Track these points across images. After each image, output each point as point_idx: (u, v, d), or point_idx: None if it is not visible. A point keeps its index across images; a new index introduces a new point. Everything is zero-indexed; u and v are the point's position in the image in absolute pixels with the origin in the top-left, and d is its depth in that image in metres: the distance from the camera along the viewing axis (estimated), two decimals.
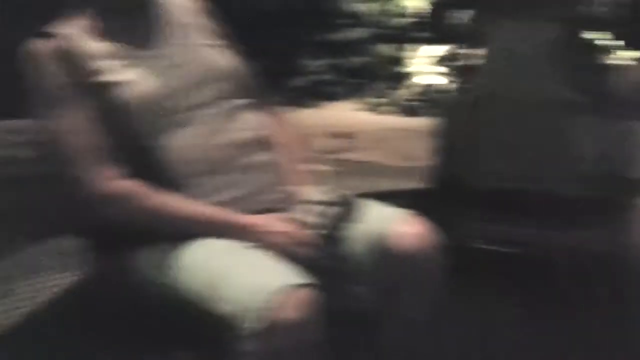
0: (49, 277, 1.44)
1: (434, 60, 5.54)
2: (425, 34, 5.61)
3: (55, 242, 1.60)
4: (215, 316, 1.14)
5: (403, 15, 6.13)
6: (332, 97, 5.63)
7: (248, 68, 1.51)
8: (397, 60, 6.03)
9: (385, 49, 6.07)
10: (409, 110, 5.45)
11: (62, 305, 1.35)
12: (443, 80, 5.19)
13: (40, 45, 1.28)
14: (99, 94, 1.28)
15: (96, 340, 1.32)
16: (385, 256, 1.30)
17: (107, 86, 1.28)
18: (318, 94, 5.35)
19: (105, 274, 1.43)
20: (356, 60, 6.07)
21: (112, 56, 1.31)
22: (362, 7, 6.17)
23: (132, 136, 1.29)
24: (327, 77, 5.79)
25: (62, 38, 1.29)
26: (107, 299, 1.41)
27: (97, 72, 1.28)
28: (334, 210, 1.26)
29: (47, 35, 1.30)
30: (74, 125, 1.27)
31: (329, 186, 1.32)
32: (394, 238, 1.30)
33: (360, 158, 4.20)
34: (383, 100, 5.71)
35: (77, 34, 1.31)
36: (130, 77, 1.30)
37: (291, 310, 1.05)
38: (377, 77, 6.01)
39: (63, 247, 1.55)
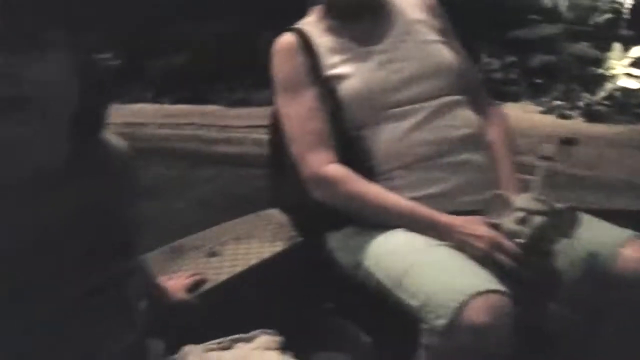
0: (259, 244, 1.57)
1: (634, 61, 5.09)
2: (626, 32, 5.24)
3: (269, 214, 1.75)
4: (400, 306, 1.17)
5: (602, 10, 5.53)
6: (513, 97, 5.22)
7: (470, 64, 1.50)
8: (591, 61, 5.39)
9: (578, 47, 5.47)
10: (597, 116, 4.91)
11: (267, 269, 1.48)
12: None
13: (283, 40, 1.43)
14: (322, 85, 1.38)
15: (287, 304, 1.44)
16: (604, 278, 1.20)
17: (329, 79, 1.38)
18: (499, 93, 4.89)
19: (306, 248, 1.53)
20: (544, 59, 5.53)
21: (338, 51, 1.40)
22: (560, 1, 5.55)
23: (345, 126, 1.37)
24: (511, 76, 5.40)
25: (300, 34, 1.42)
26: (303, 270, 1.52)
27: (323, 65, 1.39)
28: (543, 220, 1.18)
29: (290, 31, 1.44)
30: (299, 111, 1.38)
31: (538, 194, 1.24)
32: (618, 261, 1.19)
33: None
34: (568, 103, 5.19)
35: (312, 30, 1.43)
36: (349, 71, 1.38)
37: (482, 314, 1.03)
38: (565, 78, 5.44)
39: (276, 219, 1.69)
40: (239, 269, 1.44)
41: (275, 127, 1.51)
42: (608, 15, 5.45)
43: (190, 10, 6.27)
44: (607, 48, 5.27)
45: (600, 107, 5.00)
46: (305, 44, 1.41)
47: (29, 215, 0.69)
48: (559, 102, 5.20)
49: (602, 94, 5.12)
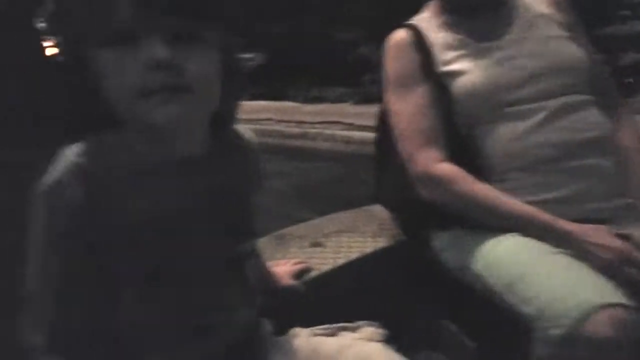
0: (362, 238, 1.57)
1: None
2: None
3: (373, 210, 1.74)
4: (510, 311, 1.12)
5: None
6: None
7: (599, 62, 1.42)
8: None
9: None
10: None
11: (369, 264, 1.47)
12: None
13: (396, 35, 1.41)
14: (435, 82, 1.35)
15: (389, 300, 1.42)
16: None
17: (443, 75, 1.35)
18: None
19: (410, 246, 1.51)
20: (635, 57, 5.34)
21: (453, 47, 1.37)
22: None
23: (458, 124, 1.33)
24: None
25: (415, 29, 1.40)
26: (407, 268, 1.50)
27: (437, 61, 1.36)
28: None
29: (405, 27, 1.42)
30: (410, 107, 1.36)
31: None
32: None
33: None
34: None
35: (426, 26, 1.41)
36: (466, 67, 1.34)
37: (606, 328, 0.97)
38: None
39: (380, 215, 1.68)
40: (341, 260, 1.44)
41: (382, 123, 1.50)
42: None
43: (268, 9, 6.43)
44: None
45: None
46: (419, 40, 1.38)
47: (173, 195, 0.75)
48: None
49: None
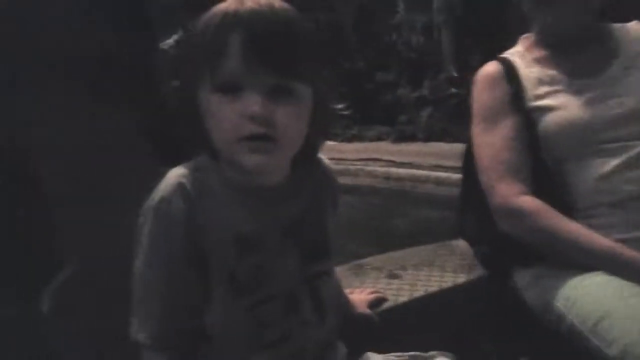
0: (440, 273, 1.55)
1: None
2: None
3: (453, 245, 1.72)
4: (594, 353, 1.08)
5: None
6: None
7: None
8: None
9: None
10: None
11: (447, 299, 1.45)
12: None
13: (488, 68, 1.41)
14: (524, 116, 1.33)
15: (466, 336, 1.39)
16: None
17: (533, 110, 1.33)
18: None
19: (491, 283, 1.48)
20: None
21: (546, 83, 1.35)
22: None
23: (544, 159, 1.31)
24: None
25: (506, 62, 1.40)
26: (487, 305, 1.46)
27: (528, 96, 1.35)
28: None
29: (497, 60, 1.42)
30: (495, 140, 1.34)
31: None
32: None
33: None
34: None
35: (520, 60, 1.40)
36: (558, 103, 1.32)
37: None
38: None
39: (460, 249, 1.66)
40: (419, 293, 1.42)
41: (467, 157, 1.50)
42: None
43: None
44: None
45: None
46: (511, 73, 1.37)
47: (255, 217, 0.84)
48: None
49: None
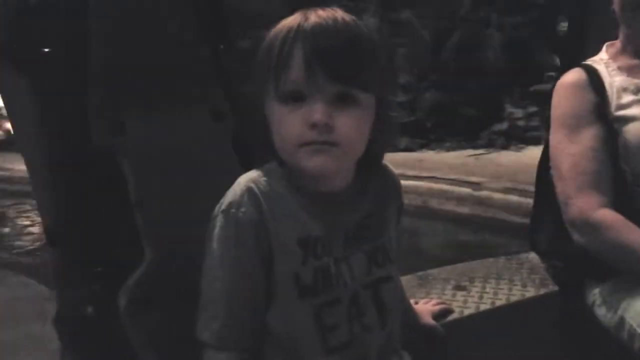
0: (509, 286, 1.52)
1: None
2: None
3: (523, 258, 1.69)
4: None
5: None
6: (535, 141, 5.91)
7: None
8: None
9: None
10: None
11: (515, 313, 1.42)
12: None
13: (571, 75, 1.38)
14: (607, 125, 1.30)
15: (534, 352, 1.35)
16: None
17: (616, 119, 1.30)
18: (522, 138, 6.21)
19: (562, 298, 1.44)
20: None
21: (631, 92, 1.31)
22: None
23: (625, 170, 1.27)
24: (532, 123, 6.36)
25: (590, 70, 1.36)
26: (556, 321, 1.43)
27: (612, 105, 1.31)
28: None
29: (581, 67, 1.38)
30: (576, 149, 1.30)
31: None
32: None
33: None
34: None
35: (604, 68, 1.36)
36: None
37: None
38: None
39: (530, 263, 1.63)
40: (485, 306, 1.41)
41: (543, 166, 1.46)
42: None
43: None
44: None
45: None
46: (595, 82, 1.33)
47: (319, 221, 0.87)
48: None
49: None
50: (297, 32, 0.80)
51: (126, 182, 0.92)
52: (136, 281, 0.90)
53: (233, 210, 0.82)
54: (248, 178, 0.85)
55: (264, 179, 0.85)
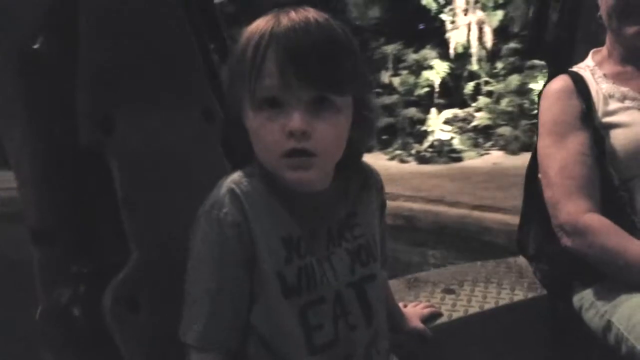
0: (497, 289, 1.52)
1: (445, 121, 8.34)
2: (438, 101, 8.64)
3: (511, 262, 1.69)
4: None
5: (422, 85, 8.73)
6: (368, 149, 6.28)
7: None
8: (418, 121, 8.52)
9: (409, 111, 8.65)
10: (425, 159, 7.90)
11: (503, 316, 1.42)
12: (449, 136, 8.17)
13: (557, 82, 1.39)
14: (593, 132, 1.31)
15: (517, 354, 1.35)
16: None
17: (603, 126, 1.31)
18: None
19: (549, 302, 1.44)
20: (387, 120, 8.39)
21: (617, 99, 1.33)
22: (395, 80, 8.80)
23: (612, 175, 1.28)
24: None
25: (577, 77, 1.37)
26: (544, 323, 1.43)
27: (598, 111, 1.32)
28: None
29: (567, 74, 1.39)
30: (564, 155, 1.31)
31: None
32: None
33: None
34: (405, 151, 8.16)
35: (590, 76, 1.37)
36: (628, 120, 1.29)
37: None
38: (402, 134, 8.50)
39: (518, 267, 1.64)
40: (474, 310, 1.41)
41: (531, 172, 1.47)
42: (426, 89, 8.77)
43: None
44: (427, 112, 8.61)
45: (426, 153, 8.02)
46: (582, 89, 1.34)
47: (300, 220, 0.87)
48: (399, 151, 8.26)
49: (426, 144, 8.19)
50: (270, 38, 0.79)
51: (113, 181, 0.91)
52: (121, 281, 0.89)
53: (215, 211, 0.82)
54: (230, 180, 0.85)
55: (246, 180, 0.84)
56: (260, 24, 0.81)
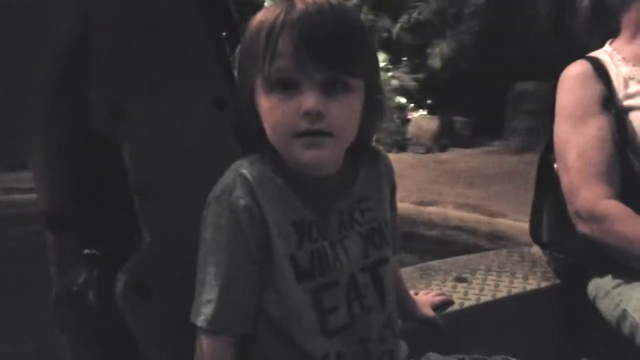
0: (510, 278, 1.51)
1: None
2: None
3: (524, 251, 1.68)
4: None
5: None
6: None
7: None
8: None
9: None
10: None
11: (515, 305, 1.42)
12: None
13: (576, 67, 1.37)
14: (613, 116, 1.29)
15: (535, 345, 1.35)
16: None
17: (623, 109, 1.29)
18: None
19: (564, 291, 1.43)
20: None
21: (637, 80, 1.31)
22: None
23: (631, 162, 1.26)
24: None
25: (595, 61, 1.35)
26: (557, 312, 1.42)
27: (618, 94, 1.30)
28: None
29: (585, 59, 1.38)
30: (583, 140, 1.29)
31: None
32: None
33: None
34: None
35: (609, 60, 1.36)
36: None
37: None
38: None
39: (532, 256, 1.63)
40: (486, 298, 1.40)
41: (546, 158, 1.46)
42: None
43: None
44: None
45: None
46: (601, 72, 1.33)
47: (312, 204, 0.87)
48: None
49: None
50: (285, 19, 0.79)
51: (125, 167, 0.92)
52: (134, 266, 0.89)
53: (226, 196, 0.82)
54: (240, 164, 0.85)
55: (256, 165, 0.84)
56: (273, 8, 0.82)
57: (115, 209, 0.93)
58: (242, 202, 0.81)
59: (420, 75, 8.40)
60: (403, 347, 0.98)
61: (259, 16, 0.83)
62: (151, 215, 0.93)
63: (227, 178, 0.84)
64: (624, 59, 1.35)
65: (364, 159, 0.94)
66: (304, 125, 0.79)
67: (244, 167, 0.84)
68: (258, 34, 0.81)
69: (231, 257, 0.82)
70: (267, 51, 0.79)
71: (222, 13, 1.13)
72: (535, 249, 1.62)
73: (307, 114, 0.79)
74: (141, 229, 0.91)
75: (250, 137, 0.87)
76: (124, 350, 0.91)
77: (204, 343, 0.83)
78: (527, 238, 1.58)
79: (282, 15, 0.79)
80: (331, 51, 0.78)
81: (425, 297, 1.28)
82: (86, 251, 0.91)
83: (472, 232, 5.09)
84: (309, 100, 0.78)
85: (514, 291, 1.44)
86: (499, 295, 1.42)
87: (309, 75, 0.79)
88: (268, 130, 0.83)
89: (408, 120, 8.30)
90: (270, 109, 0.81)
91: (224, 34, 1.12)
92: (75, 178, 0.93)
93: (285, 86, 0.80)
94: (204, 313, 0.82)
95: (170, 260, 0.92)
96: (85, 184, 0.93)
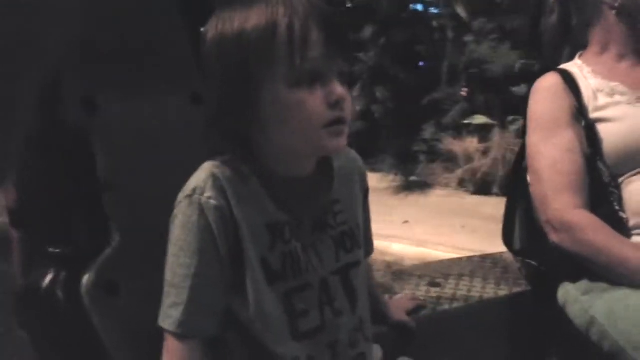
0: (482, 284, 1.52)
1: None
2: None
3: (497, 257, 1.70)
4: None
5: None
6: None
7: None
8: None
9: None
10: None
11: (487, 311, 1.43)
12: None
13: (547, 79, 1.38)
14: (583, 127, 1.30)
15: (505, 351, 1.36)
16: None
17: (593, 121, 1.30)
18: None
19: (534, 297, 1.44)
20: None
21: (606, 94, 1.32)
22: None
23: (601, 171, 1.27)
24: None
25: (565, 74, 1.36)
26: (527, 318, 1.43)
27: (587, 106, 1.32)
28: None
29: (555, 71, 1.39)
30: (553, 151, 1.30)
31: None
32: None
33: None
34: None
35: (579, 72, 1.37)
36: (617, 115, 1.29)
37: None
38: None
39: (504, 262, 1.64)
40: (458, 303, 1.41)
41: (517, 166, 1.47)
42: None
43: None
44: None
45: None
46: (571, 85, 1.34)
47: (283, 207, 0.85)
48: None
49: None
50: (300, 12, 0.78)
51: (95, 163, 0.90)
52: (102, 264, 0.87)
53: (197, 195, 0.79)
54: (212, 164, 0.83)
55: (229, 165, 0.82)
56: (271, 1, 0.80)
57: (83, 206, 0.91)
58: (213, 202, 0.79)
59: None
60: (376, 351, 0.97)
61: (259, 10, 0.79)
62: (120, 212, 0.91)
63: (198, 177, 0.82)
64: (593, 71, 1.36)
65: (337, 161, 0.93)
66: (334, 114, 0.80)
67: (216, 167, 0.82)
68: (274, 26, 0.78)
69: (200, 259, 0.79)
70: (296, 44, 0.77)
71: (200, 8, 1.12)
72: (508, 255, 1.63)
73: (337, 102, 0.79)
74: (110, 226, 0.89)
75: (230, 135, 0.84)
76: (89, 350, 0.89)
77: (172, 346, 0.81)
78: None
79: (290, 7, 0.78)
80: (344, 38, 0.82)
81: (398, 301, 1.28)
82: (51, 249, 0.88)
83: None
84: (339, 88, 0.79)
85: (486, 296, 1.45)
86: (471, 300, 1.43)
87: (332, 64, 0.80)
88: (287, 125, 0.81)
89: None
90: (299, 103, 0.79)
91: (202, 29, 1.11)
92: (41, 174, 0.90)
93: (313, 78, 0.79)
94: (172, 316, 0.80)
95: (139, 258, 0.90)
96: (52, 181, 0.90)
